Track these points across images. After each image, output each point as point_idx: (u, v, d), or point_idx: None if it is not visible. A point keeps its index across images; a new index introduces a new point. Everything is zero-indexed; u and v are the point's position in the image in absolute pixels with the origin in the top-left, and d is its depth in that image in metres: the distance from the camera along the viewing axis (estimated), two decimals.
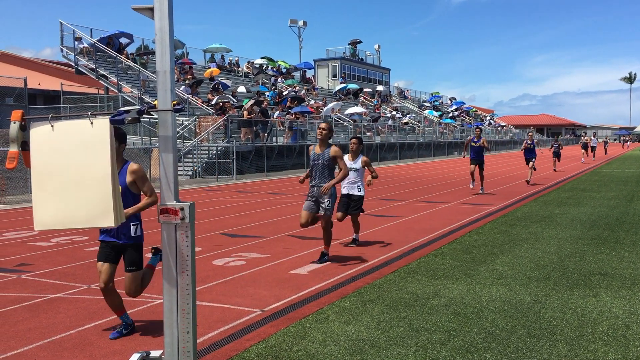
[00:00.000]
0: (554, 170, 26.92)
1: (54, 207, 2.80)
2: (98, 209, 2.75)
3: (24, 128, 2.80)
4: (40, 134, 2.75)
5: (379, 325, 5.21)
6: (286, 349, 4.64)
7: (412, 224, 11.28)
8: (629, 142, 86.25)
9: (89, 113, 2.73)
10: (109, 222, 2.76)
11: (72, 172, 2.76)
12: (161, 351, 3.18)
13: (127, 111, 2.85)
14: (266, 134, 28.67)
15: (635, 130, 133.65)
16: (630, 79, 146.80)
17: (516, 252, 8.33)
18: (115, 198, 2.78)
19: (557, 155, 26.90)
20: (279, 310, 5.70)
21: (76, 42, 31.73)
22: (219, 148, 25.26)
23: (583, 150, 37.70)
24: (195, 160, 25.07)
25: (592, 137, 41.95)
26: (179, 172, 24.31)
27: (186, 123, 26.62)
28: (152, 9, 2.86)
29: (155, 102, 2.87)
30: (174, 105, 2.84)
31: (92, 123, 2.69)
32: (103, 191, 2.74)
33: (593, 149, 40.47)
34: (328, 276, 7.05)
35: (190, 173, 24.70)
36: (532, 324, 5.19)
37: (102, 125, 2.70)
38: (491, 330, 5.05)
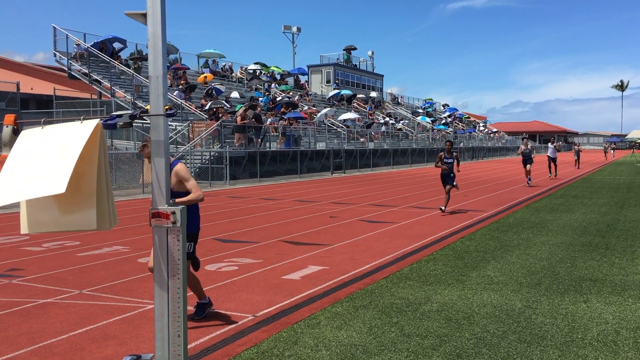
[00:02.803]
0: (442, 210, 13.66)
1: (41, 211, 2.79)
2: (82, 213, 2.73)
3: (17, 132, 2.81)
4: (29, 133, 2.75)
5: (370, 330, 5.22)
6: (278, 354, 4.64)
7: (405, 229, 11.30)
8: (613, 151, 68.89)
9: (82, 118, 2.74)
10: (92, 225, 2.75)
11: (43, 155, 2.74)
12: (152, 354, 3.18)
13: (120, 116, 2.86)
14: (259, 140, 28.67)
15: (626, 137, 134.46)
16: (621, 87, 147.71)
17: (508, 258, 8.36)
18: (104, 201, 2.78)
19: (447, 178, 13.84)
20: (271, 315, 5.70)
21: (75, 47, 31.68)
22: (212, 153, 25.24)
23: (528, 167, 22.31)
24: (188, 165, 25.04)
25: (550, 145, 27.79)
26: None
27: (179, 128, 26.59)
28: (144, 15, 2.88)
29: (148, 107, 2.89)
30: (166, 110, 2.85)
31: (82, 122, 2.69)
32: (88, 195, 2.72)
33: (553, 160, 27.32)
34: (320, 281, 7.05)
35: None
36: (523, 330, 5.21)
37: (89, 124, 2.69)
38: (482, 335, 5.06)
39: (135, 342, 4.97)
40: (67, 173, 2.54)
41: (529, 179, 22.52)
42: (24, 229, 2.90)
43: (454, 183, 14.10)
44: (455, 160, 14.01)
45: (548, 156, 27.62)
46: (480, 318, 5.55)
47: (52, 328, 5.34)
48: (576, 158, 38.71)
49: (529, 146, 22.81)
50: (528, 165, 22.34)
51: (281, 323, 5.44)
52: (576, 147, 40.34)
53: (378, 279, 7.18)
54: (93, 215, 2.78)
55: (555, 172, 27.62)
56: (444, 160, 13.79)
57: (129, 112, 2.89)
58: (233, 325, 5.38)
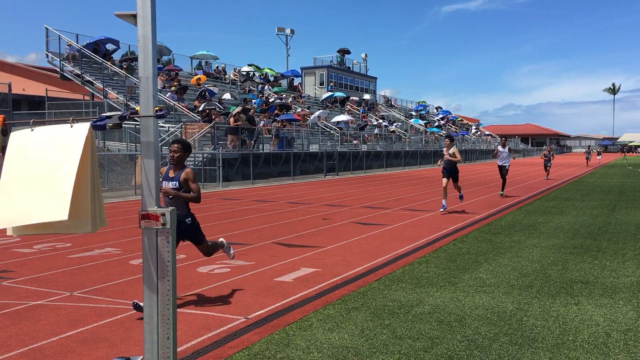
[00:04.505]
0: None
1: (15, 205, 2.77)
2: (54, 209, 2.70)
3: (5, 133, 2.79)
4: (19, 138, 2.73)
5: (362, 333, 5.22)
6: (270, 357, 4.63)
7: (397, 232, 11.31)
8: (599, 156, 57.85)
9: (71, 118, 2.72)
10: (61, 215, 2.71)
11: (41, 174, 2.73)
12: (141, 357, 3.16)
13: (109, 117, 2.85)
14: (253, 142, 28.65)
15: (618, 140, 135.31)
16: (613, 90, 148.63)
17: (500, 261, 8.38)
18: (91, 201, 2.76)
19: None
20: (263, 317, 5.69)
21: (67, 48, 31.58)
22: (205, 155, 25.19)
23: (446, 179, 14.52)
24: None
25: (500, 148, 19.38)
26: None
27: (172, 130, 26.53)
28: (134, 16, 2.87)
29: (138, 108, 2.88)
30: (157, 111, 2.85)
31: (72, 127, 2.68)
32: (64, 192, 2.69)
33: (502, 170, 19.02)
34: (312, 284, 7.05)
35: None
36: (515, 332, 5.22)
37: (81, 130, 2.68)
38: (474, 338, 5.07)
39: (126, 344, 4.95)
40: (67, 198, 2.55)
41: (445, 205, 14.44)
42: (8, 230, 2.88)
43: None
44: (182, 194, 6.12)
45: (498, 165, 19.32)
46: (471, 320, 5.56)
47: (43, 330, 5.31)
48: (547, 166, 28.89)
49: (451, 151, 14.45)
50: (446, 180, 14.47)
51: (273, 325, 5.43)
52: (546, 151, 29.50)
53: (370, 281, 7.18)
54: (87, 218, 2.76)
55: (503, 187, 19.13)
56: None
57: (119, 113, 2.88)
58: (225, 328, 5.36)
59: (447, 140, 14.98)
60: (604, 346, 4.87)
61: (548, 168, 28.96)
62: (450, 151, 14.49)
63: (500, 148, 19.57)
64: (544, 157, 29.38)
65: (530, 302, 6.21)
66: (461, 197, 15.37)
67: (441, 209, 14.42)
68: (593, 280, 7.18)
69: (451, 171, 14.56)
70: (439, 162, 15.15)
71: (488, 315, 5.73)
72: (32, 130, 2.75)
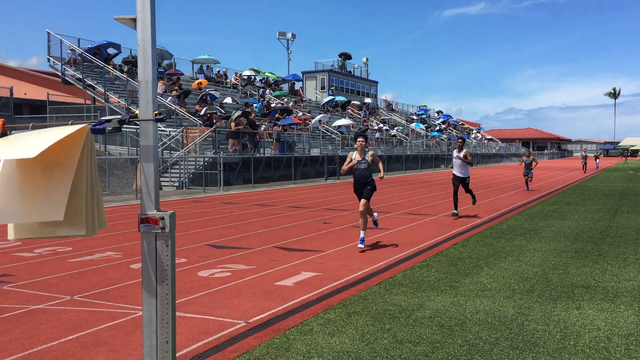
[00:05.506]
0: None
1: (10, 204, 2.75)
2: (50, 210, 2.66)
3: (5, 136, 2.79)
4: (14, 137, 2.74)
5: (363, 337, 5.21)
6: None
7: (398, 236, 11.30)
8: (597, 161, 52.67)
9: (70, 122, 2.73)
10: (57, 216, 2.68)
11: (36, 173, 2.72)
12: None
13: (109, 120, 2.85)
14: (254, 146, 28.65)
15: (619, 144, 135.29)
16: (614, 94, 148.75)
17: (501, 265, 8.36)
18: (88, 204, 2.74)
19: None
20: (264, 322, 5.68)
21: (69, 52, 31.64)
22: (206, 159, 25.21)
23: (365, 200, 9.73)
24: (182, 171, 24.99)
25: (455, 154, 14.99)
26: (166, 183, 24.32)
27: (173, 134, 26.55)
28: (134, 20, 2.87)
29: (137, 112, 2.88)
30: (156, 115, 2.85)
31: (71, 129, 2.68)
32: (60, 193, 2.66)
33: (461, 183, 14.65)
34: (313, 288, 7.03)
35: (177, 184, 24.61)
36: (515, 336, 5.21)
37: (77, 129, 2.68)
38: (475, 342, 5.06)
39: (127, 348, 4.94)
40: (42, 146, 2.51)
41: (362, 239, 9.66)
42: (10, 234, 2.88)
43: None
44: None
45: (453, 174, 14.83)
46: (472, 324, 5.54)
47: (43, 334, 5.30)
48: (527, 176, 23.74)
49: (366, 157, 9.91)
50: (365, 201, 9.75)
51: (273, 329, 5.42)
52: (526, 157, 24.43)
53: (371, 285, 7.17)
54: (84, 221, 2.76)
55: (455, 204, 14.51)
56: None
57: (118, 117, 2.88)
58: (225, 332, 5.35)
59: (360, 140, 10.00)
60: (605, 351, 4.85)
61: (528, 178, 23.75)
62: (368, 157, 9.91)
63: (455, 153, 14.85)
64: (523, 162, 24.32)
65: (532, 306, 6.19)
66: (375, 223, 10.51)
67: (359, 244, 9.70)
68: (594, 285, 7.16)
69: (368, 182, 9.95)
70: (343, 169, 10.07)
71: (489, 319, 5.72)
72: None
